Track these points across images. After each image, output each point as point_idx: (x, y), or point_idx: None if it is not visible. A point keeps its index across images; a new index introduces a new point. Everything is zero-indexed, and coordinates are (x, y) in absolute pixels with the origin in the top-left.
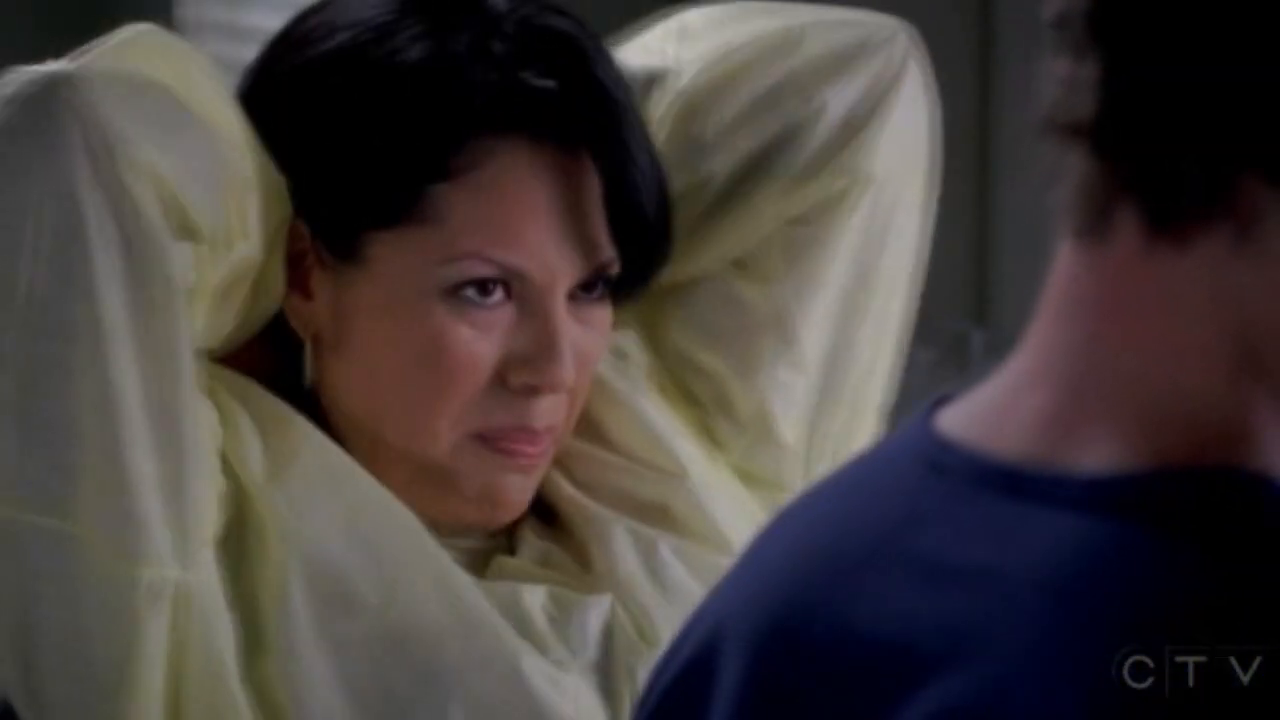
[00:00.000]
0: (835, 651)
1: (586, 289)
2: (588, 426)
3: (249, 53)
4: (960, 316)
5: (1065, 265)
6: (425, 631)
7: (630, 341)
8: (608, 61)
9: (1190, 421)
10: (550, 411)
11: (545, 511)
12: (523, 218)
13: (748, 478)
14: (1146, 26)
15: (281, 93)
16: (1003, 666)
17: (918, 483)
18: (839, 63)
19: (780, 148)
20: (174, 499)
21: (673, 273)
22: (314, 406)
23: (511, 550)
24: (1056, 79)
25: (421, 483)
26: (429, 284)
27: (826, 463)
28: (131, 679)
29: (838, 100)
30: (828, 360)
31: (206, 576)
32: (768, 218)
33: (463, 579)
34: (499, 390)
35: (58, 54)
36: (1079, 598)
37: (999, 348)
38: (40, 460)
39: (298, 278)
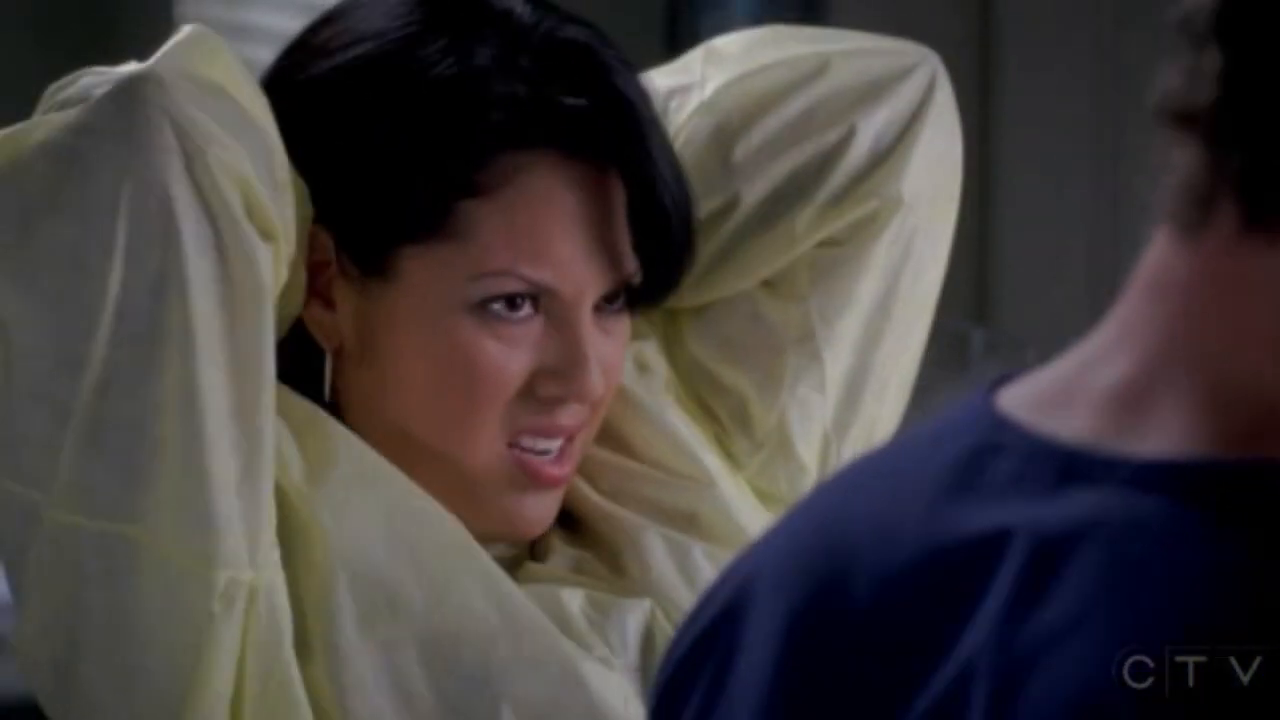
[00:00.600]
0: (873, 607)
1: (609, 300)
2: (611, 437)
3: (248, 51)
4: (960, 316)
5: (1157, 253)
6: (474, 633)
7: (652, 353)
8: (632, 76)
9: (1255, 412)
10: (576, 414)
11: (569, 520)
12: (551, 233)
13: (761, 494)
14: (1271, 21)
15: (303, 102)
16: (1031, 624)
17: (971, 458)
18: (869, 89)
19: (812, 173)
20: (250, 501)
21: (700, 294)
22: (334, 416)
23: (536, 558)
24: (1175, 72)
25: (449, 494)
26: (457, 299)
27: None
28: (198, 684)
29: (867, 125)
30: (847, 381)
31: (274, 576)
32: (800, 241)
33: (506, 580)
34: (527, 400)
35: (58, 53)
36: (1119, 573)
37: (999, 347)
38: (109, 465)
39: (319, 287)
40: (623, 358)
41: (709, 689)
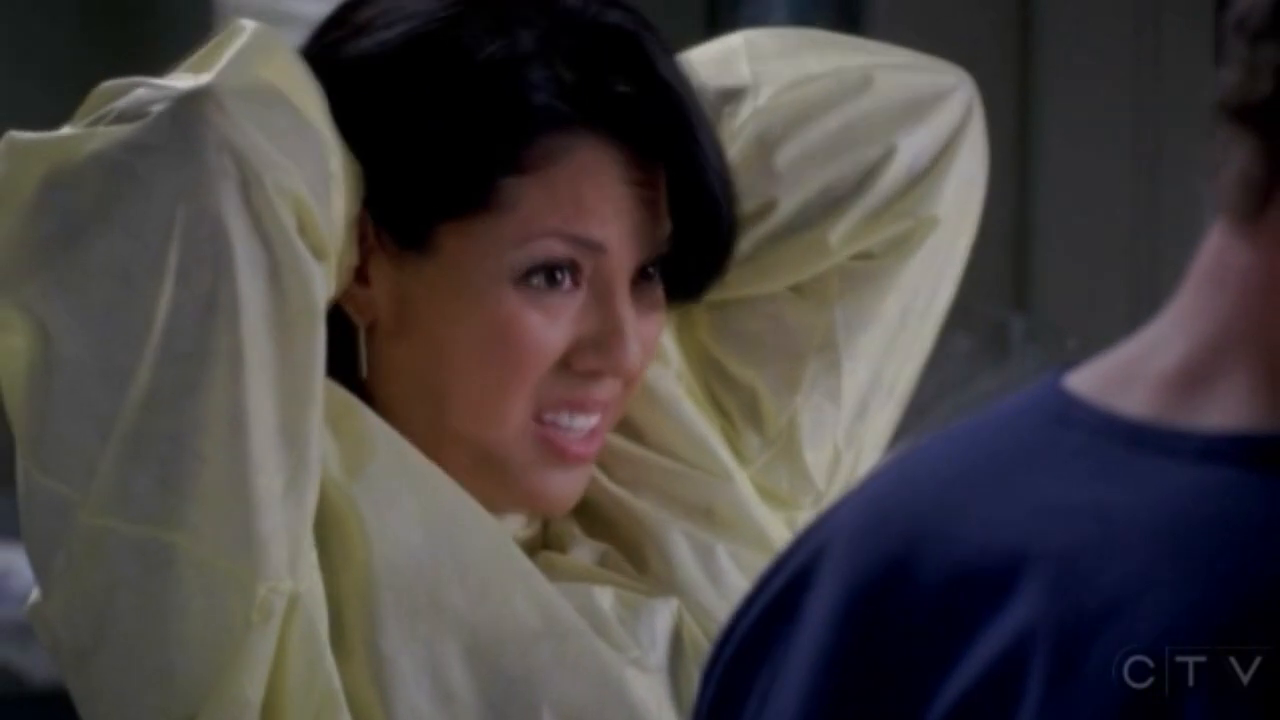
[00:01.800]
0: (934, 575)
1: (644, 275)
2: (626, 425)
3: (289, 38)
4: (1000, 304)
5: (1216, 243)
6: (516, 634)
7: (666, 342)
8: (676, 63)
9: None
10: (610, 388)
11: (583, 507)
12: (592, 199)
13: (762, 492)
14: None
15: (342, 80)
16: (1097, 589)
17: (1041, 433)
18: (912, 108)
19: (850, 186)
20: (293, 514)
21: (723, 291)
22: (363, 392)
23: (551, 545)
24: (1231, 69)
25: (477, 471)
26: (501, 271)
27: (840, 493)
28: (226, 687)
29: (908, 144)
30: (861, 395)
31: (313, 581)
32: (834, 253)
33: (545, 580)
34: (562, 373)
35: (100, 44)
36: (1183, 538)
37: (1038, 335)
38: (150, 474)
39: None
40: (658, 334)
41: (777, 661)
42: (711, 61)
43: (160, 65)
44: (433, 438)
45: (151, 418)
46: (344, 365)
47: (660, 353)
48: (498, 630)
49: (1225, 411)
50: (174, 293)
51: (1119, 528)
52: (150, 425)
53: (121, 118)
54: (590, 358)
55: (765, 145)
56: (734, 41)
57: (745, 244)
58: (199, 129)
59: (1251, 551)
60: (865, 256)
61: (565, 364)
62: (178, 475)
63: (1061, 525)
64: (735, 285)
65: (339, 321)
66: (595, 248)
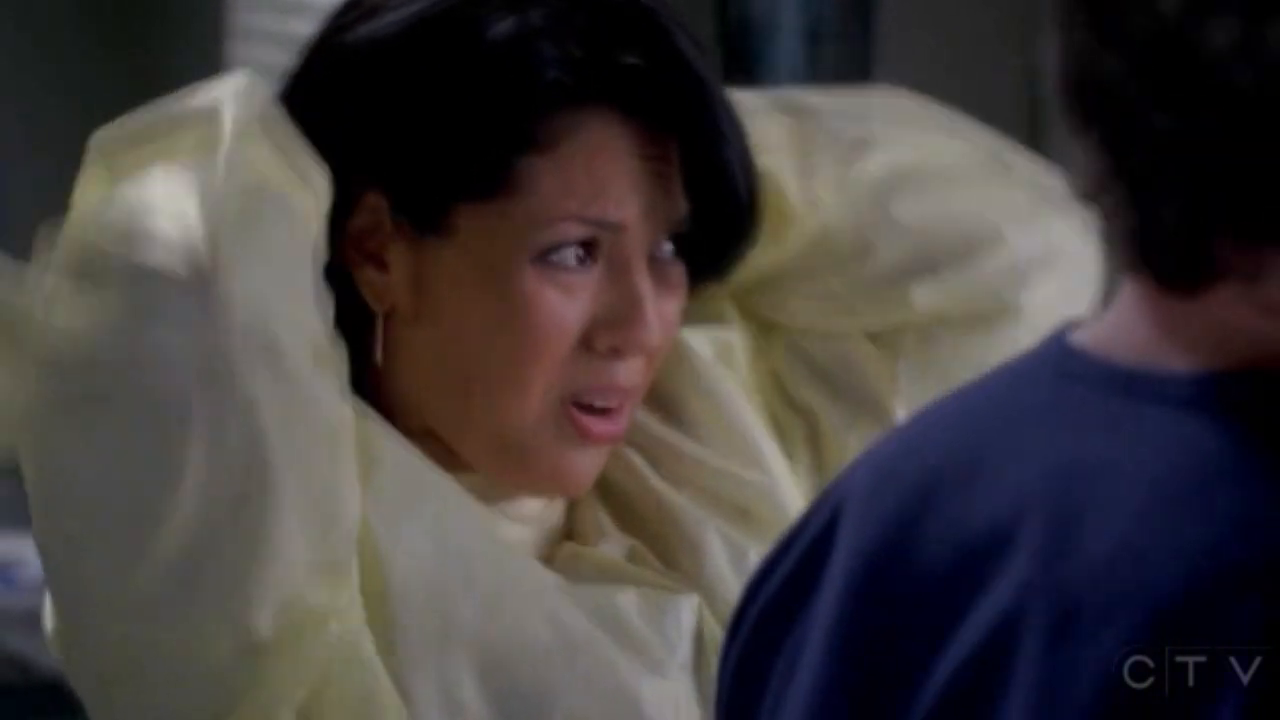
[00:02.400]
0: (937, 540)
1: (662, 251)
2: (677, 418)
3: (305, 29)
4: None
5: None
6: (527, 650)
7: (736, 340)
8: (690, 37)
9: (1255, 343)
10: (633, 372)
11: (618, 497)
12: (606, 176)
13: None
14: (1119, 116)
15: (358, 61)
16: (1092, 550)
17: (1047, 388)
18: (1035, 209)
19: (951, 256)
20: (328, 571)
21: (804, 321)
22: (381, 379)
23: (580, 536)
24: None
25: (497, 456)
26: (518, 252)
27: None
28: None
29: (1019, 239)
30: None
31: (351, 601)
32: (916, 312)
33: (557, 593)
34: (584, 354)
35: (105, 38)
36: (1181, 489)
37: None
38: (159, 571)
39: (371, 249)
40: (678, 311)
41: (801, 625)
42: (842, 114)
43: (170, 66)
44: (453, 423)
45: (182, 547)
46: (363, 353)
47: (730, 357)
48: (510, 646)
49: (1191, 360)
50: (202, 444)
51: (1114, 484)
52: (186, 551)
53: (123, 279)
54: (609, 335)
55: (882, 193)
56: (873, 99)
57: (836, 282)
58: (210, 306)
59: (1237, 496)
60: (944, 322)
61: (587, 345)
62: (189, 574)
63: (1058, 485)
64: (816, 317)
65: (358, 308)
66: (613, 228)
